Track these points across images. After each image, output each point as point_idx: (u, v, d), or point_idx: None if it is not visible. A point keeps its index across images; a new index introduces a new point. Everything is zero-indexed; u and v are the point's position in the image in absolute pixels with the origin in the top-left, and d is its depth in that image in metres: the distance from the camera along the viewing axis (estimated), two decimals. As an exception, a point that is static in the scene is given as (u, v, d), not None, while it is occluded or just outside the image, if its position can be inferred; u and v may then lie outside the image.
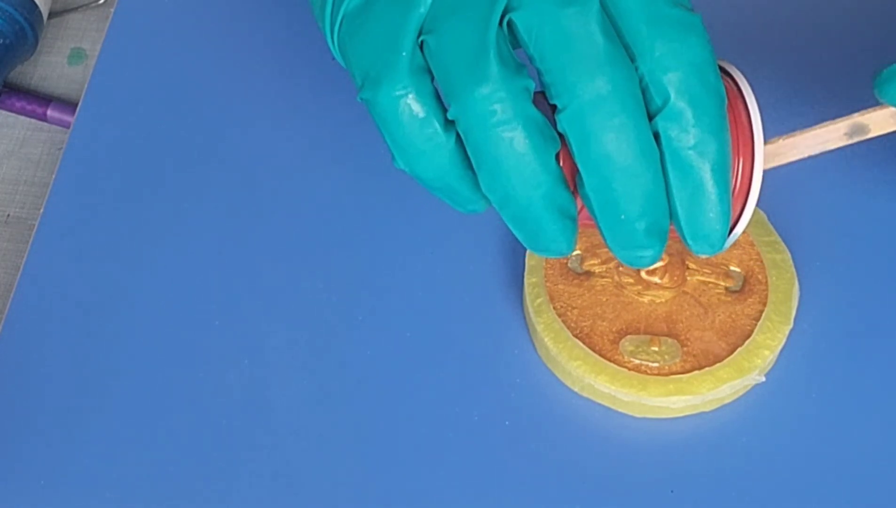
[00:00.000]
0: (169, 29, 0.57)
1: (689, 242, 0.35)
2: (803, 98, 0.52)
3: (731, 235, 0.37)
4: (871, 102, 0.37)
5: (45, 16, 0.62)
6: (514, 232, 0.36)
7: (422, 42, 0.34)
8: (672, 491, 0.43)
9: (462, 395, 0.45)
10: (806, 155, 0.37)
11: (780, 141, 0.37)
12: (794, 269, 0.46)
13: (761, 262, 0.46)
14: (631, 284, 0.45)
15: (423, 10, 0.34)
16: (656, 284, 0.45)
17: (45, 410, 0.46)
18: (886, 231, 0.48)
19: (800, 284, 0.46)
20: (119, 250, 0.50)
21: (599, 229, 0.35)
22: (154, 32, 0.57)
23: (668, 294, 0.45)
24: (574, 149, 0.33)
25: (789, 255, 0.46)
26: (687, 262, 0.46)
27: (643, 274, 0.46)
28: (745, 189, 0.36)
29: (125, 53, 0.56)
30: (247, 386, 0.46)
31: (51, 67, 0.64)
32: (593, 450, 0.44)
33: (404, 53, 0.33)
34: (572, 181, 0.35)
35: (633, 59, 0.33)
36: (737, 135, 0.35)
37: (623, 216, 0.34)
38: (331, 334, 0.47)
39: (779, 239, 0.47)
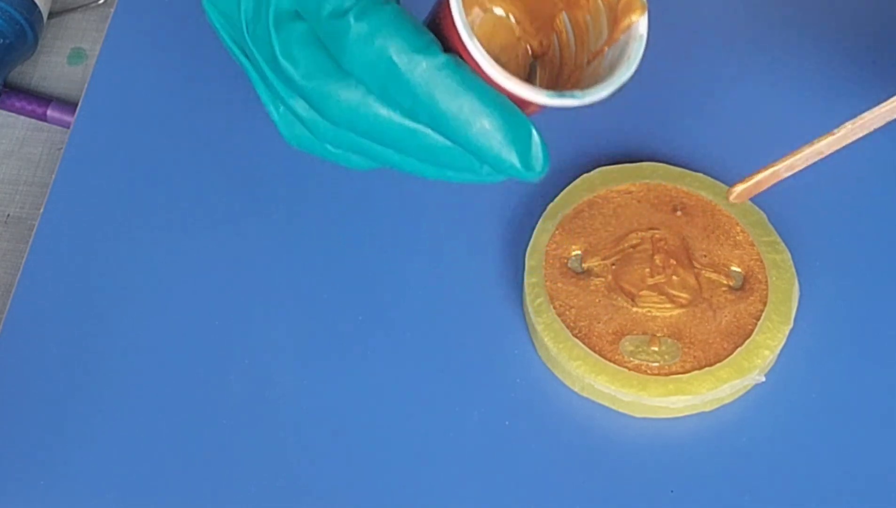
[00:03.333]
0: (169, 29, 0.56)
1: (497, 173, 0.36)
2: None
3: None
4: None
5: (45, 16, 0.62)
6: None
7: None
8: (672, 491, 0.43)
9: (462, 395, 0.45)
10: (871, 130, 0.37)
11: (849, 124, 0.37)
12: (794, 269, 0.46)
13: (761, 262, 0.46)
14: (623, 296, 0.45)
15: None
16: (672, 298, 0.45)
17: (45, 410, 0.46)
18: (886, 231, 0.48)
19: (800, 284, 0.46)
20: (119, 250, 0.50)
21: None
22: (154, 32, 0.57)
23: (676, 310, 0.45)
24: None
25: (789, 255, 0.46)
26: (694, 261, 0.46)
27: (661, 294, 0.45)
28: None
29: (125, 53, 0.56)
30: (247, 386, 0.46)
31: (51, 67, 0.64)
32: (593, 450, 0.44)
33: None
34: None
35: None
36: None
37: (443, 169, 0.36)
38: (331, 334, 0.47)
39: (779, 239, 0.47)
